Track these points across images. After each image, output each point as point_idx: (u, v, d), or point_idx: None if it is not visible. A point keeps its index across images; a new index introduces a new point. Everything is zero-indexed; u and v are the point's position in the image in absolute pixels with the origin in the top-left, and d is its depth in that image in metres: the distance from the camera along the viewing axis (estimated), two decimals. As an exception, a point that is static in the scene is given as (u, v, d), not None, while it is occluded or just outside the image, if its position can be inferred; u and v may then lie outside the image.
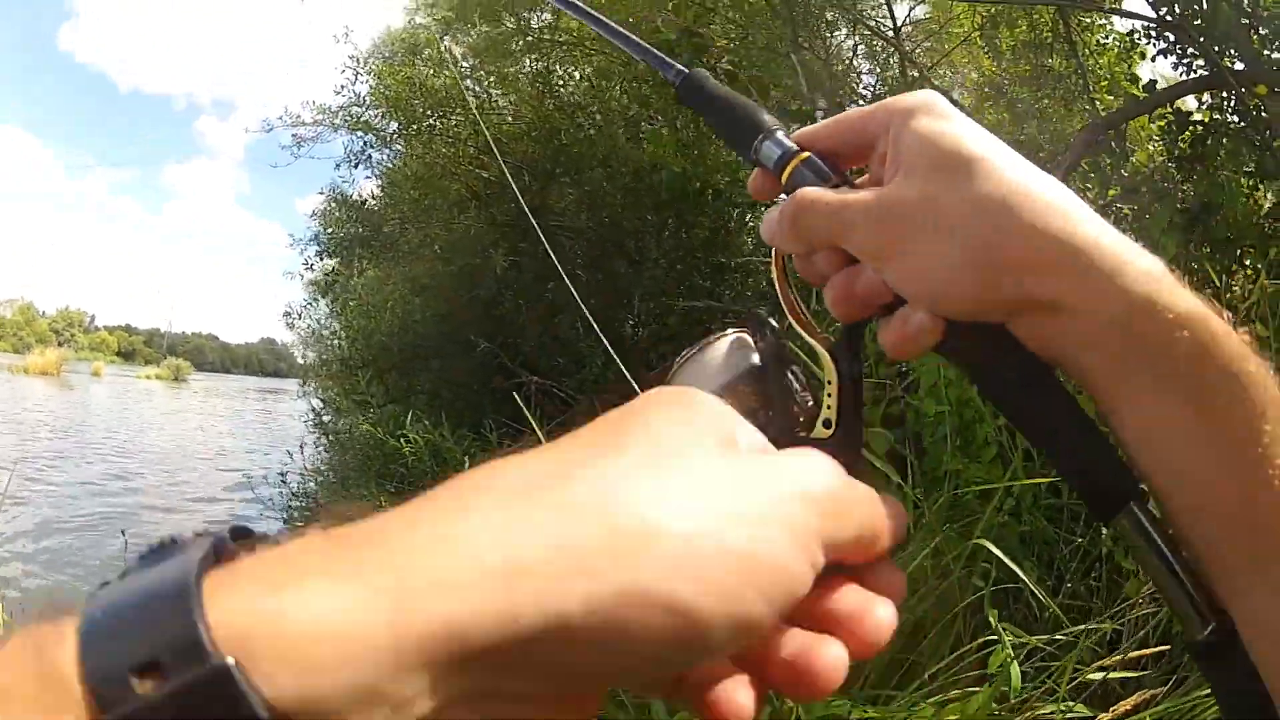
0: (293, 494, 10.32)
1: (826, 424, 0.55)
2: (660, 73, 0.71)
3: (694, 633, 0.32)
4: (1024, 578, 2.79)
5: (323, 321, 13.11)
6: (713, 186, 6.40)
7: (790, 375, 0.57)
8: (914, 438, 3.42)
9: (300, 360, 17.23)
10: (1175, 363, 0.48)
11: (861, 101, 5.90)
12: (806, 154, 0.59)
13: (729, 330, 0.61)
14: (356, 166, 9.42)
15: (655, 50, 0.72)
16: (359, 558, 0.29)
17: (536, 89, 8.21)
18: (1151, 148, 5.33)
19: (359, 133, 9.42)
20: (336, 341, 10.32)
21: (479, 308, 7.53)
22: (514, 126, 8.04)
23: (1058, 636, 2.59)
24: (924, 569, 2.99)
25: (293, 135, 10.25)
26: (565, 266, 7.29)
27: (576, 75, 8.37)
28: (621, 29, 0.75)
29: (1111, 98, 6.69)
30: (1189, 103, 4.91)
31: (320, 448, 10.98)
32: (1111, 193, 4.97)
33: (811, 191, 0.55)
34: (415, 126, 8.72)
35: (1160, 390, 0.49)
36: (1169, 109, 4.83)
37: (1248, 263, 3.96)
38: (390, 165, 9.77)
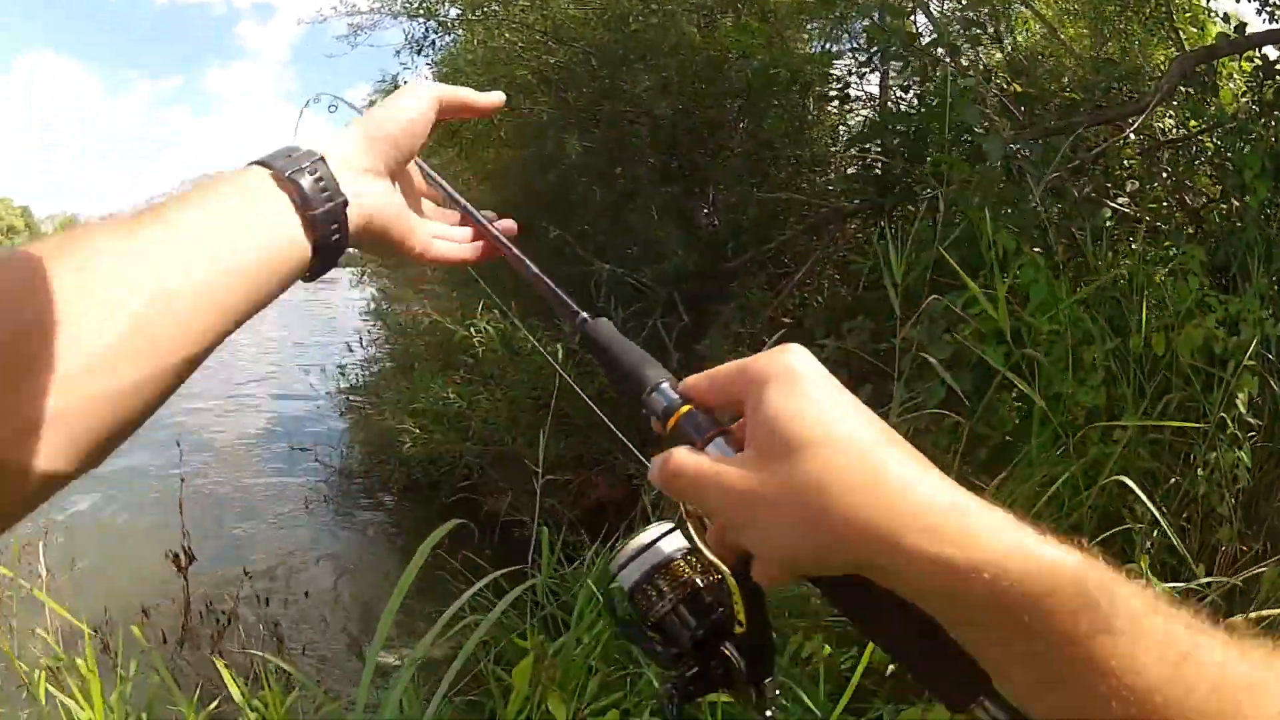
0: (351, 386, 10.27)
1: (739, 624, 0.69)
2: (562, 317, 0.87)
3: (407, 126, 0.86)
4: (1163, 521, 2.71)
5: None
6: (800, 79, 6.11)
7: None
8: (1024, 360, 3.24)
9: (351, 250, 17.18)
10: (1001, 625, 0.53)
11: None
12: (687, 408, 0.69)
13: (659, 525, 0.77)
14: (419, 53, 9.13)
15: (561, 293, 0.86)
16: (337, 132, 0.83)
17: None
18: (1233, 87, 5.13)
19: (419, 18, 9.13)
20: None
21: (549, 194, 7.34)
22: (581, 12, 7.75)
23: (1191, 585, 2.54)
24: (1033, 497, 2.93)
25: (348, 24, 10.00)
26: (638, 155, 7.26)
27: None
28: (535, 270, 0.90)
29: (1195, 30, 6.50)
30: (1271, 52, 4.80)
31: (378, 339, 10.91)
32: (1193, 125, 4.91)
33: (679, 458, 0.65)
34: (480, 10, 8.43)
35: (989, 644, 0.55)
36: (1258, 53, 4.77)
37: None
38: (452, 51, 9.52)
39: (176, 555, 5.32)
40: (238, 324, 0.69)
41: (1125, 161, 4.95)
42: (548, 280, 0.88)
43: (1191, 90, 4.79)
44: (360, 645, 5.59)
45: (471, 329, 6.08)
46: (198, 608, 5.48)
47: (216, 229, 0.67)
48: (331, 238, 0.77)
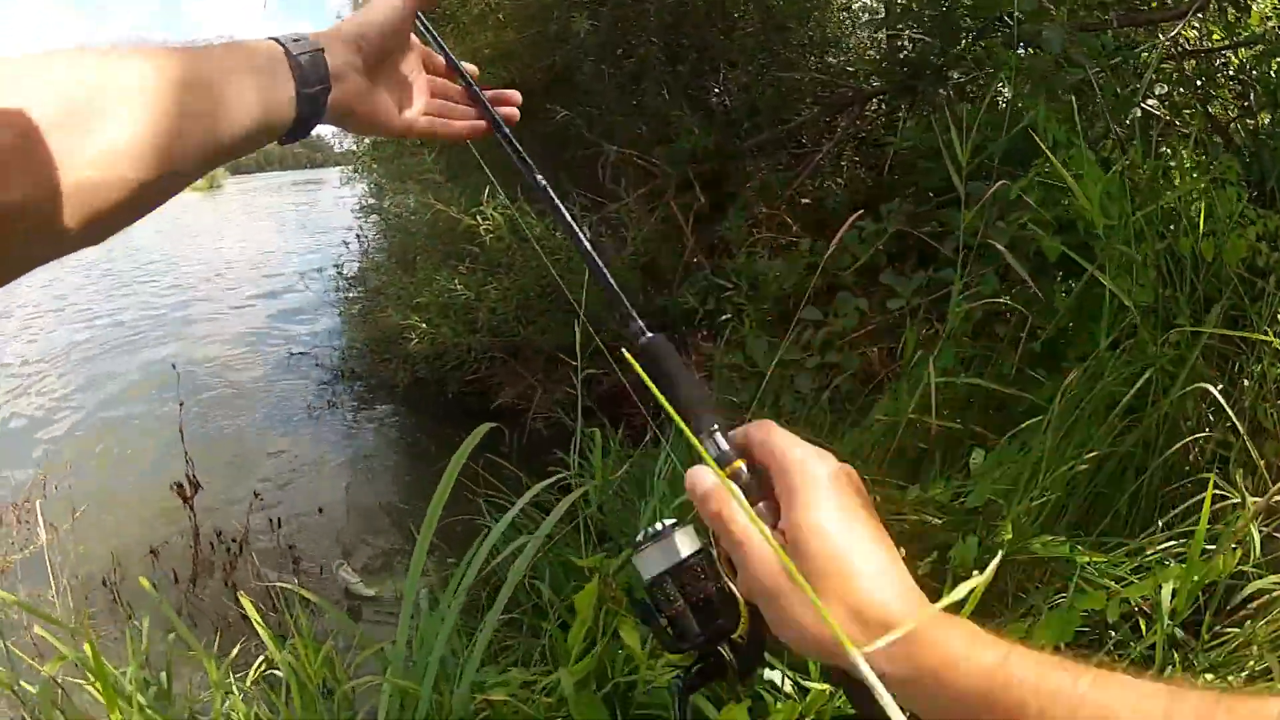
0: (349, 283, 10.03)
1: (741, 638, 0.78)
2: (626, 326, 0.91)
3: (393, 10, 1.02)
4: (1247, 439, 2.63)
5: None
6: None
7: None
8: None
9: (339, 149, 16.88)
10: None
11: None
12: (739, 463, 0.77)
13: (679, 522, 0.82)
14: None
15: (624, 301, 0.91)
16: (331, 32, 0.99)
17: None
18: (1260, 8, 4.88)
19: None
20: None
21: (553, 77, 7.05)
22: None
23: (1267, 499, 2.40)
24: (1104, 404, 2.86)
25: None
26: (647, 33, 7.00)
27: None
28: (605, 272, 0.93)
29: None
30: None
31: (373, 234, 10.67)
32: (1216, 39, 4.80)
33: (727, 514, 0.72)
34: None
35: None
36: None
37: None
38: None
39: (180, 485, 5.13)
40: (221, 157, 0.82)
41: (1158, 66, 4.79)
42: (610, 280, 0.94)
43: (1226, 5, 4.63)
44: (382, 558, 5.42)
45: (478, 216, 5.84)
46: (208, 539, 5.28)
47: (237, 75, 0.82)
48: (313, 114, 0.92)
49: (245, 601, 2.73)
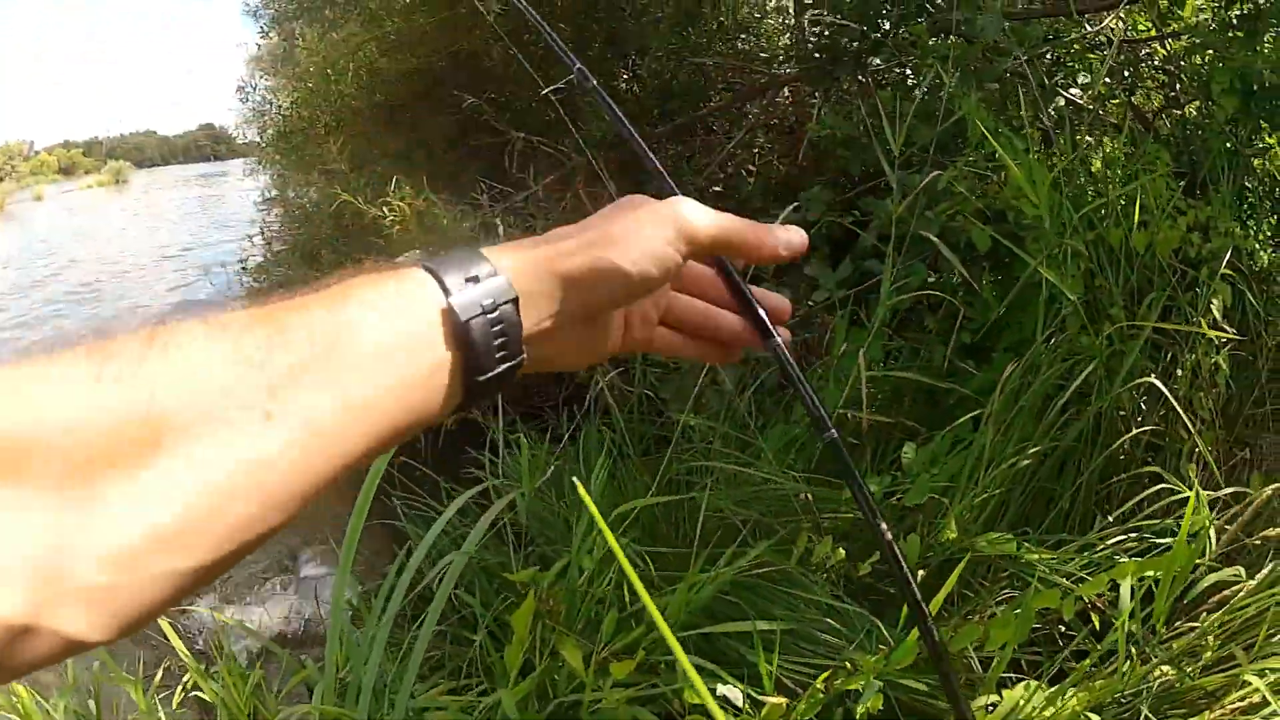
0: (253, 278, 9.86)
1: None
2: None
3: (629, 282, 0.66)
4: (1195, 435, 2.68)
5: (266, 96, 12.48)
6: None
7: None
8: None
9: (241, 140, 16.95)
10: None
11: None
12: None
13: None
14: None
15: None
16: (530, 253, 0.65)
17: None
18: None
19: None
20: (288, 111, 9.75)
21: (461, 61, 7.08)
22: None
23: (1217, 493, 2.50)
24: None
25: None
26: (558, 18, 6.91)
27: None
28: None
29: None
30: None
31: (277, 227, 10.50)
32: (1142, 29, 4.85)
33: None
34: None
35: None
36: None
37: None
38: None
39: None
40: (338, 479, 0.56)
41: (1085, 55, 4.84)
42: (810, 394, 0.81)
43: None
44: (294, 557, 5.27)
45: (384, 207, 5.67)
46: None
47: (350, 371, 0.55)
48: (488, 396, 0.66)
49: (164, 625, 2.62)
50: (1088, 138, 3.96)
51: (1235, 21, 4.13)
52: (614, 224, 0.70)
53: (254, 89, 12.38)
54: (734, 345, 0.84)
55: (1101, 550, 2.47)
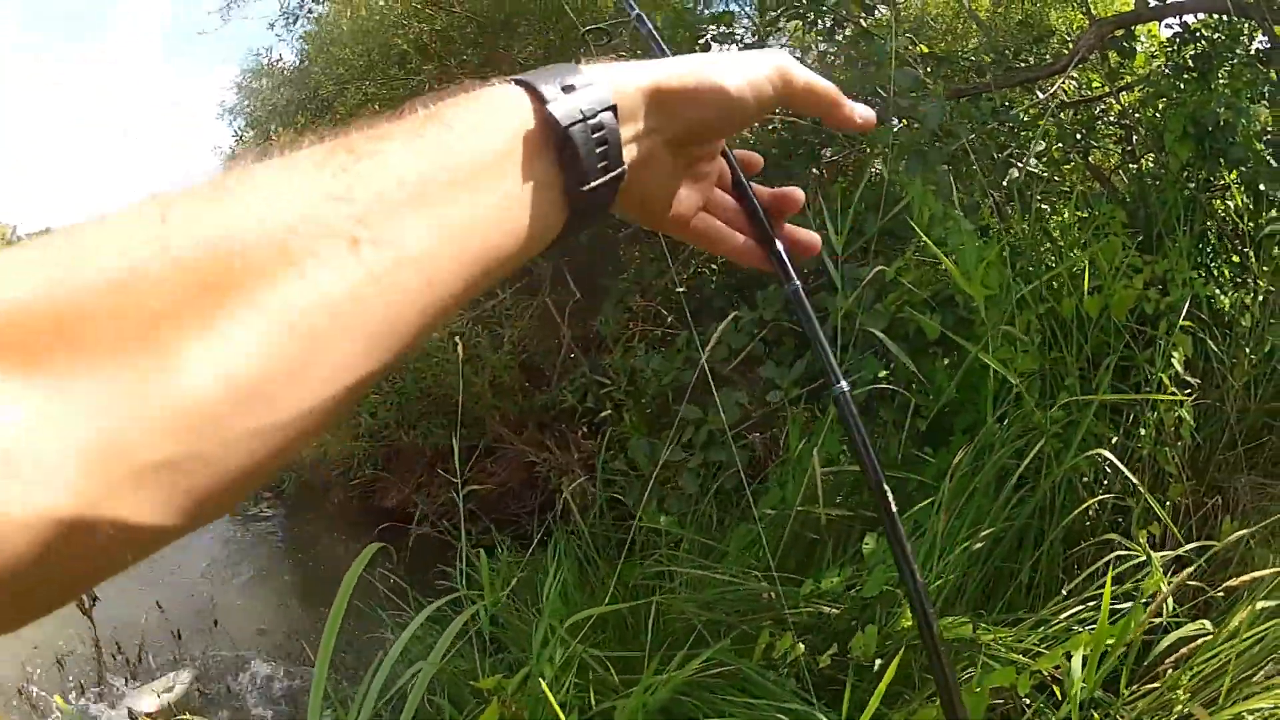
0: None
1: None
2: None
3: (728, 101, 0.64)
4: (1148, 496, 2.69)
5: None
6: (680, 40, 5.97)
7: None
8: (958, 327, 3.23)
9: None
10: None
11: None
12: None
13: None
14: (294, 23, 8.77)
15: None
16: (628, 67, 0.61)
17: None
18: (1145, 49, 5.23)
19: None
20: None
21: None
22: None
23: (1176, 552, 2.59)
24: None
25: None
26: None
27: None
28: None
29: None
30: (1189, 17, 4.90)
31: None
32: (1096, 86, 5.07)
33: None
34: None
35: None
36: (1178, 19, 4.79)
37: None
38: (319, 27, 9.24)
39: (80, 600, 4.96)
40: (439, 321, 0.51)
41: (1036, 123, 4.94)
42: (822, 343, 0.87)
43: (1109, 54, 4.81)
44: (277, 676, 5.23)
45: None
46: (109, 650, 5.15)
47: (439, 194, 0.49)
48: (592, 215, 0.61)
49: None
50: (1044, 206, 4.09)
51: (1189, 63, 4.32)
52: (716, 54, 0.70)
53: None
54: (754, 252, 0.81)
55: (1058, 624, 2.49)
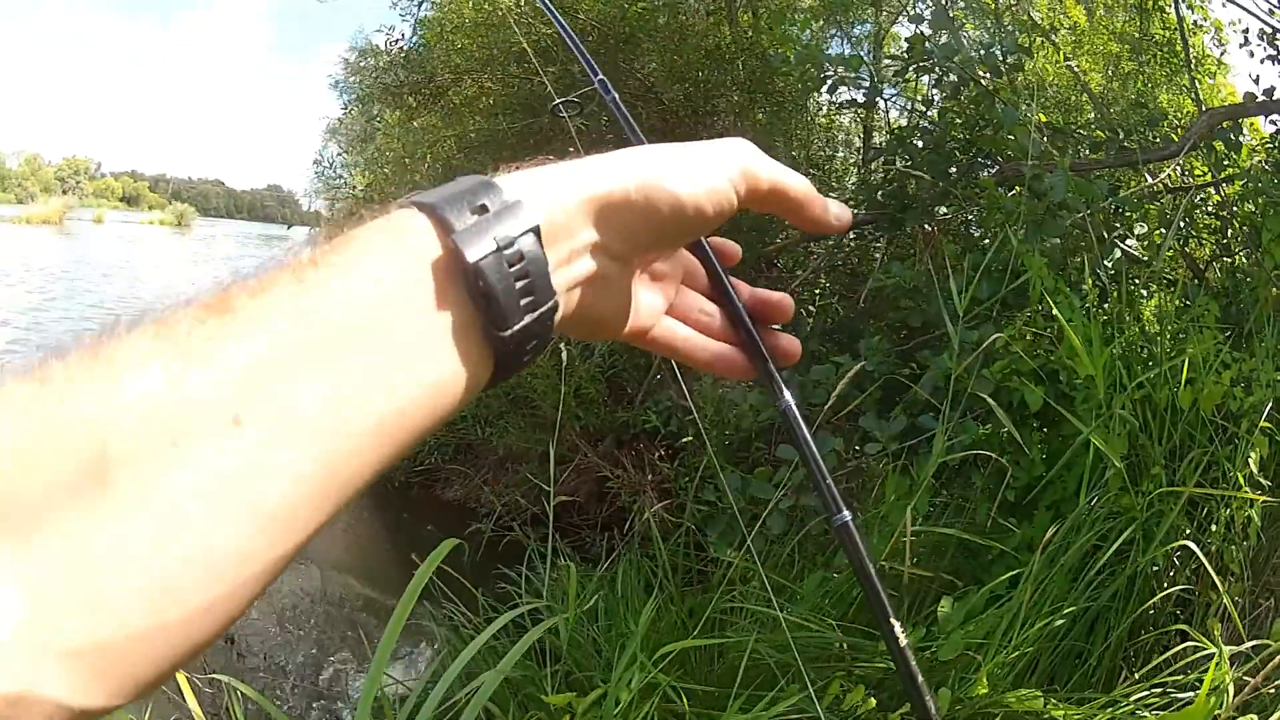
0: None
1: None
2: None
3: (680, 211, 0.57)
4: (1225, 594, 2.71)
5: (338, 171, 12.68)
6: (807, 78, 5.96)
7: None
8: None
9: (307, 208, 16.93)
10: None
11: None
12: None
13: None
14: (421, 6, 8.84)
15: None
16: (555, 175, 0.55)
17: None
18: (1246, 143, 5.12)
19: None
20: (362, 193, 9.91)
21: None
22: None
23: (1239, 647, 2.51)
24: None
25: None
26: (646, 137, 7.03)
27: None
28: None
29: (1211, 81, 6.88)
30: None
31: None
32: (1199, 175, 5.02)
33: None
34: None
35: None
36: None
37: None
38: (442, 10, 9.32)
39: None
40: (355, 495, 0.46)
41: (1143, 205, 4.91)
42: (820, 468, 0.71)
43: (1217, 144, 4.77)
44: (325, 664, 5.19)
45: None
46: None
47: (333, 355, 0.44)
48: (522, 358, 0.53)
49: (190, 699, 2.58)
50: (1142, 291, 4.07)
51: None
52: (665, 149, 0.61)
53: (330, 164, 12.56)
54: (729, 361, 0.72)
55: (1125, 706, 2.48)
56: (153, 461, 0.38)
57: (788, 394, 0.71)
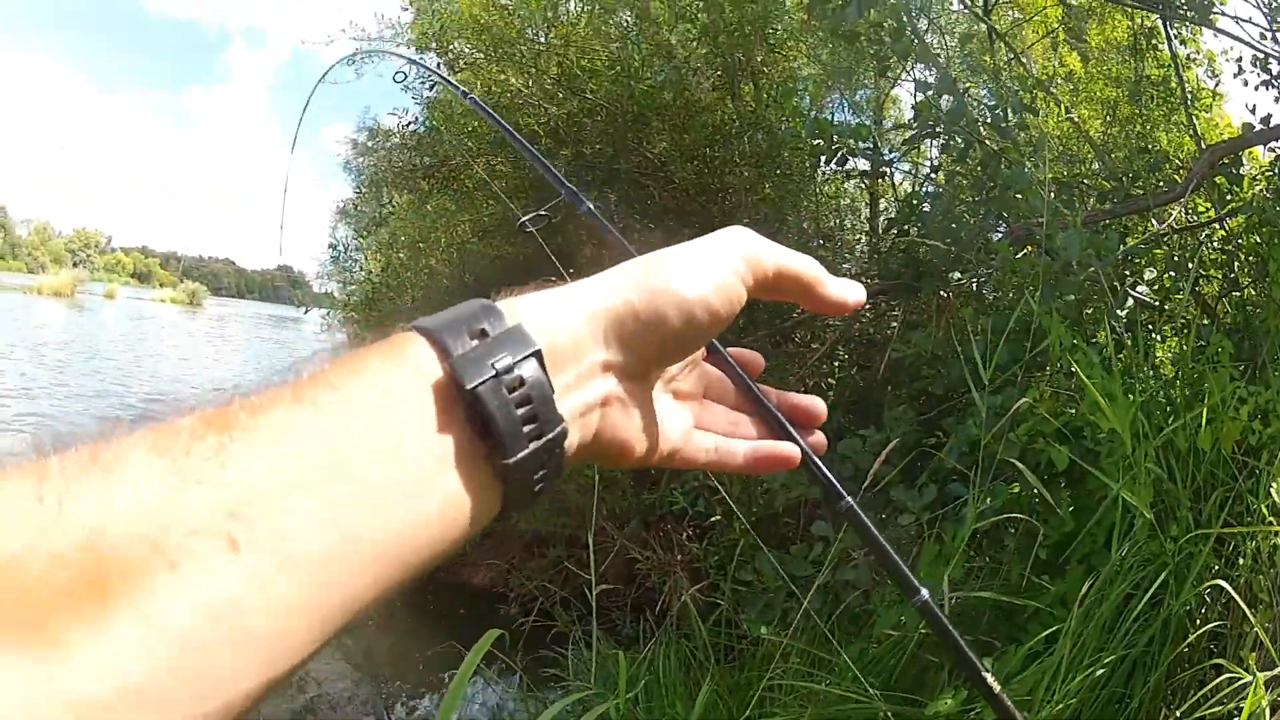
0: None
1: None
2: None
3: (689, 314, 0.57)
4: (1258, 626, 2.72)
5: (351, 255, 12.74)
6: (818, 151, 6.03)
7: None
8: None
9: (319, 290, 16.85)
10: None
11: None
12: None
13: None
14: (432, 89, 8.89)
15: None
16: (557, 296, 0.56)
17: (621, 29, 7.84)
18: (1247, 173, 5.20)
19: (429, 51, 8.91)
20: (377, 279, 9.96)
21: (557, 253, 7.14)
22: (590, 63, 7.62)
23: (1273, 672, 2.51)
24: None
25: (355, 49, 9.76)
26: (653, 217, 7.14)
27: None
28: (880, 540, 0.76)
29: (1208, 115, 6.92)
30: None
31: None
32: (1204, 212, 5.07)
33: None
34: (494, 49, 8.18)
35: None
36: None
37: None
38: (449, 95, 9.36)
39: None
40: (351, 618, 0.45)
41: (1152, 251, 4.94)
42: (888, 548, 0.74)
43: (1219, 180, 4.84)
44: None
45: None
46: None
47: (331, 482, 0.43)
48: (534, 488, 0.52)
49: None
50: (1155, 336, 4.11)
51: None
52: (665, 254, 0.60)
53: (344, 248, 12.62)
54: (768, 458, 0.71)
55: None
56: (149, 582, 0.37)
57: (848, 498, 0.72)
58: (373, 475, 0.44)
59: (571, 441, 0.54)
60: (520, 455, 0.49)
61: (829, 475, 0.71)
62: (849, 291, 0.69)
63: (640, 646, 3.75)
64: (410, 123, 9.57)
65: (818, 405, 0.74)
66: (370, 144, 11.16)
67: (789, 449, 0.71)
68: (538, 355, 0.50)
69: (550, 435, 0.50)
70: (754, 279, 0.62)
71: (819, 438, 0.73)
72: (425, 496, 0.46)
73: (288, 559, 0.41)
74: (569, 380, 0.54)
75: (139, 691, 0.36)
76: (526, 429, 0.49)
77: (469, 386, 0.47)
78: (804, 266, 0.66)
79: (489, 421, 0.48)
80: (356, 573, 0.43)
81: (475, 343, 0.49)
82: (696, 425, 0.70)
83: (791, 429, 0.71)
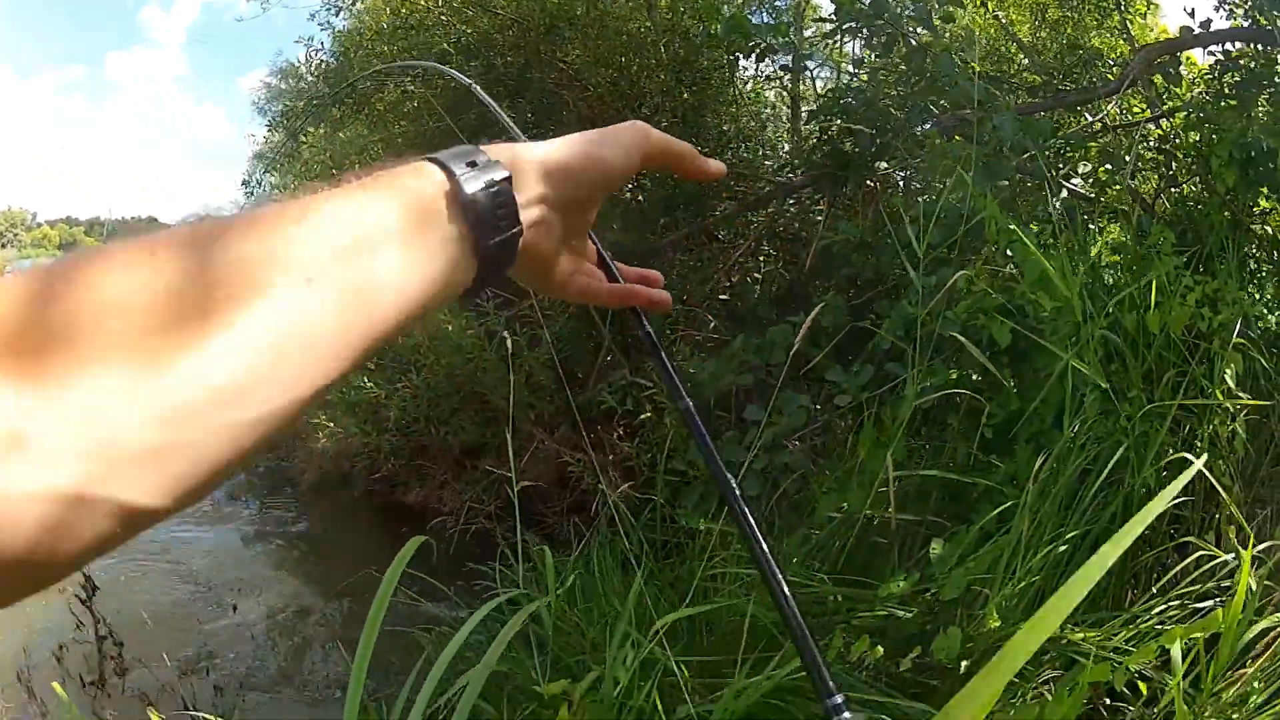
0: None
1: None
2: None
3: (605, 168, 0.77)
4: (1231, 504, 2.74)
5: (267, 191, 12.60)
6: (735, 48, 5.92)
7: None
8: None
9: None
10: None
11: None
12: None
13: None
14: (337, 14, 8.77)
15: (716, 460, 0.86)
16: (520, 148, 0.72)
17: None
18: (1185, 76, 5.30)
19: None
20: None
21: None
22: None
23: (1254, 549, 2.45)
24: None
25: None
26: (565, 125, 7.02)
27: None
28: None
29: (1142, 21, 7.02)
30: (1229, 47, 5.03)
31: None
32: (1137, 113, 5.17)
33: None
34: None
35: None
36: (1220, 48, 4.98)
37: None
38: (360, 20, 9.39)
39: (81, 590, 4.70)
40: (376, 347, 0.60)
41: (1087, 145, 4.93)
42: (706, 439, 0.88)
43: (1156, 79, 4.95)
44: (298, 673, 5.06)
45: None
46: (111, 643, 4.80)
47: (376, 243, 0.60)
48: (497, 269, 0.72)
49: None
50: (1092, 226, 4.16)
51: (1228, 90, 4.38)
52: (590, 134, 0.80)
53: (259, 183, 12.49)
54: (615, 295, 0.93)
55: (1147, 621, 2.55)
56: (248, 304, 0.49)
57: (687, 399, 0.88)
58: (405, 245, 0.60)
59: (527, 239, 0.73)
60: (497, 239, 0.67)
61: (673, 375, 0.90)
62: (712, 165, 0.91)
63: (576, 549, 3.69)
64: (318, 50, 9.40)
65: (656, 275, 0.97)
66: (283, 86, 10.98)
67: (643, 290, 0.94)
68: (509, 180, 0.68)
69: (515, 229, 0.69)
70: (651, 147, 0.84)
71: (657, 295, 0.95)
72: (438, 261, 0.63)
73: (349, 295, 0.55)
74: (524, 199, 0.71)
75: (227, 390, 0.47)
76: (501, 223, 0.68)
77: (468, 193, 0.65)
78: (679, 145, 0.88)
79: (479, 216, 0.66)
80: (392, 307, 0.58)
81: (469, 169, 0.66)
82: (576, 271, 0.90)
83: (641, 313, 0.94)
